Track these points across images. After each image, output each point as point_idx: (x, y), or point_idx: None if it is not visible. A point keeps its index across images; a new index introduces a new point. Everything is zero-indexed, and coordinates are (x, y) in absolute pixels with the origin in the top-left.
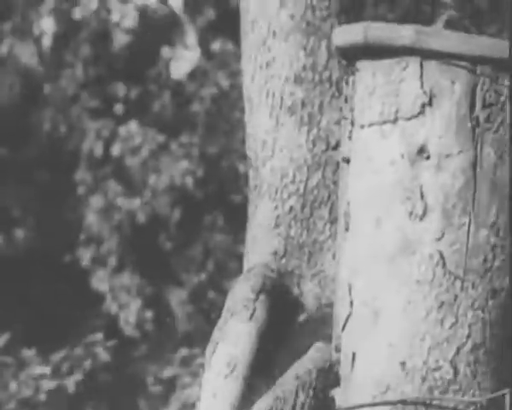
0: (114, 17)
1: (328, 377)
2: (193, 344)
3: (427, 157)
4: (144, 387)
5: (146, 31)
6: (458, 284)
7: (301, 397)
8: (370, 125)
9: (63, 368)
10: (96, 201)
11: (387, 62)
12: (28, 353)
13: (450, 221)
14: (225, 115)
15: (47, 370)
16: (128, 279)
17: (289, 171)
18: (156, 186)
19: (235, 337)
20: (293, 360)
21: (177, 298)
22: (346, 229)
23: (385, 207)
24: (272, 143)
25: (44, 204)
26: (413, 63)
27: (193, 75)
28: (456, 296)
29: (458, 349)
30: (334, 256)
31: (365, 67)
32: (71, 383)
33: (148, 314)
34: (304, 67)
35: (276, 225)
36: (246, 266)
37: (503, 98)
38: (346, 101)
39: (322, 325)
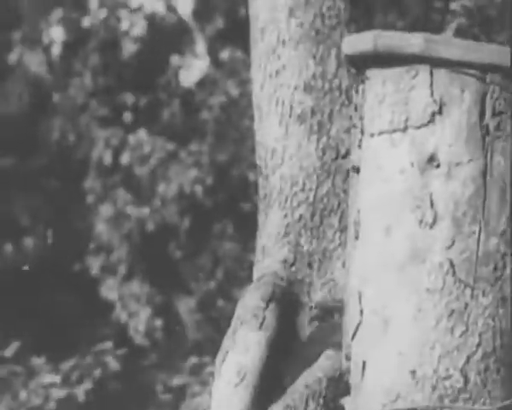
0: (123, 26)
1: (339, 385)
2: (202, 353)
3: (437, 165)
4: (154, 395)
5: (155, 39)
6: (468, 292)
7: (311, 406)
8: (380, 133)
9: (73, 377)
10: (106, 209)
11: (397, 71)
12: (38, 361)
13: (460, 229)
14: (235, 123)
15: (57, 378)
16: (137, 288)
17: (299, 179)
18: (165, 194)
19: (244, 346)
20: (303, 369)
21: (186, 306)
22: (356, 237)
23: (395, 216)
24: (282, 151)
25: (53, 213)
26: (423, 71)
27: (202, 83)
28: (466, 305)
29: (468, 358)
30: (343, 265)
31: (375, 75)
32: (81, 392)
33: (158, 323)
34: (313, 76)
35: (286, 234)
36: (255, 274)
37: None
38: (355, 109)
39: (332, 333)
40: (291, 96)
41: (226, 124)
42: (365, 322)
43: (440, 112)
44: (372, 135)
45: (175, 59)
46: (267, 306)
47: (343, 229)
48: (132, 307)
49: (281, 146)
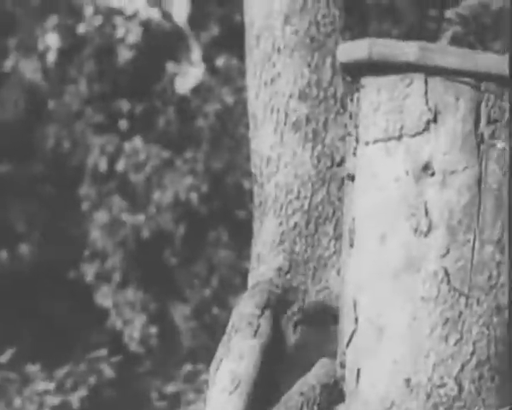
0: (119, 33)
1: (333, 393)
2: (197, 360)
3: (432, 174)
4: (149, 403)
5: (150, 46)
6: (463, 300)
7: None
8: (375, 141)
9: (67, 384)
10: (101, 216)
11: (392, 79)
12: (32, 368)
13: (455, 238)
14: (230, 131)
15: (51, 386)
16: (132, 295)
17: (294, 187)
18: (161, 202)
19: (239, 354)
20: (298, 376)
21: (181, 314)
22: (351, 245)
23: (389, 224)
24: (277, 159)
25: (49, 219)
26: (417, 80)
27: (197, 91)
28: (460, 313)
29: (463, 366)
30: (338, 272)
31: (370, 83)
32: (75, 399)
33: (153, 330)
34: (308, 84)
35: (281, 242)
36: (250, 282)
37: (507, 114)
38: (350, 117)
39: (326, 340)
40: (286, 104)
41: (221, 131)
42: (360, 330)
43: (435, 120)
44: (367, 143)
45: (170, 66)
46: (262, 313)
47: (338, 237)
48: (127, 314)
49: (276, 154)
